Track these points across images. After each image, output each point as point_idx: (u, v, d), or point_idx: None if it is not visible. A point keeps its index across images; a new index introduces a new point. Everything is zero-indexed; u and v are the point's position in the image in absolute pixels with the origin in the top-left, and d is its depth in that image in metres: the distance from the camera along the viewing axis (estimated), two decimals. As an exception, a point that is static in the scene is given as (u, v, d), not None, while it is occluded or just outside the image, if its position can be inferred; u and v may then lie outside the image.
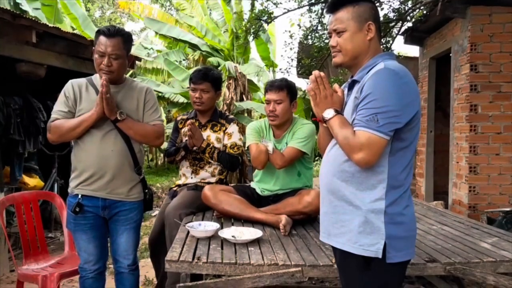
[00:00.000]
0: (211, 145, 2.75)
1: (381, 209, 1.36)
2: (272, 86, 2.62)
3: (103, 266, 2.26)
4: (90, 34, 7.97)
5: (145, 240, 4.55)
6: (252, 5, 6.01)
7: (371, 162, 1.34)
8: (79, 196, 2.13)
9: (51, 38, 4.21)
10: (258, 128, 2.74)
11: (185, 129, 2.88)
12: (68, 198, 2.20)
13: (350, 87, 1.49)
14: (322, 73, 1.47)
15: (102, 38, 2.09)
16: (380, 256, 1.36)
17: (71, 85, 2.16)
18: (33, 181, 4.79)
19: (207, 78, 2.75)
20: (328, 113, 1.44)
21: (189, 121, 2.68)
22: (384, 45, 5.67)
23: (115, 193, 2.16)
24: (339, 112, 1.45)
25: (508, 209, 3.76)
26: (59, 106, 2.14)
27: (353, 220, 1.40)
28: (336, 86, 1.53)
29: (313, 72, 1.48)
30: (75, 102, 2.13)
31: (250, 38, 6.50)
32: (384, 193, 1.37)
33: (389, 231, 1.36)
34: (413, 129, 1.39)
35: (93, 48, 2.15)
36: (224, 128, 2.84)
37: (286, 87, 2.60)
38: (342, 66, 1.52)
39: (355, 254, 1.39)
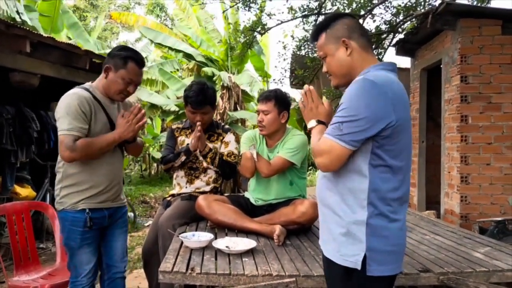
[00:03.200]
0: (213, 150, 2.76)
1: (362, 221, 1.36)
2: (261, 97, 2.70)
3: (96, 276, 2.24)
4: (82, 43, 7.99)
5: (138, 250, 4.52)
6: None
7: (330, 168, 1.39)
8: (87, 211, 2.08)
9: (45, 48, 4.22)
10: (252, 138, 2.77)
11: (181, 138, 2.89)
12: (67, 214, 2.09)
13: None
14: (311, 87, 1.57)
15: (135, 68, 2.10)
16: (359, 267, 1.35)
17: (85, 101, 2.04)
18: (25, 191, 4.74)
19: (206, 101, 2.71)
20: (311, 124, 1.54)
21: (199, 123, 2.66)
22: (376, 57, 5.74)
23: (116, 200, 2.23)
24: (323, 122, 1.52)
25: (499, 218, 3.79)
26: (78, 122, 2.00)
27: (336, 229, 1.41)
28: (323, 99, 1.60)
29: (304, 87, 1.57)
30: (91, 119, 2.06)
31: (246, 48, 6.55)
32: (365, 204, 1.36)
33: (370, 244, 1.35)
34: (393, 146, 1.35)
35: (108, 65, 2.09)
36: (221, 138, 2.85)
37: (274, 98, 2.63)
38: (340, 87, 1.56)
39: (337, 264, 1.40)
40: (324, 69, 1.55)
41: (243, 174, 2.70)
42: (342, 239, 1.39)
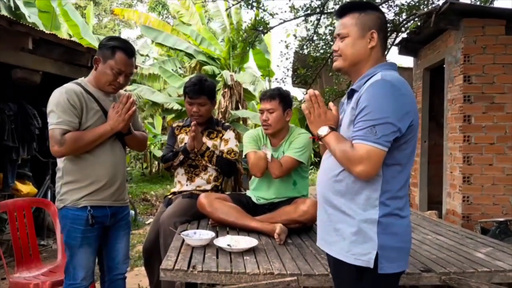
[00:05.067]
0: (210, 148, 2.76)
1: (374, 219, 1.37)
2: (264, 95, 2.67)
3: (93, 279, 2.21)
4: (89, 41, 8.00)
5: (139, 248, 4.52)
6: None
7: (371, 174, 1.35)
8: (89, 208, 2.05)
9: (47, 45, 4.21)
10: (255, 137, 2.76)
11: (181, 136, 2.89)
12: (68, 211, 2.06)
13: (350, 96, 1.50)
14: (316, 92, 1.50)
15: (123, 57, 2.04)
16: (371, 266, 1.36)
17: (75, 94, 2.01)
18: (26, 188, 4.75)
19: (204, 91, 2.73)
20: (322, 131, 1.47)
21: (193, 122, 2.67)
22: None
23: (119, 199, 2.18)
24: (334, 128, 1.47)
25: (501, 219, 3.78)
26: (67, 116, 1.97)
27: (346, 229, 1.41)
28: (330, 104, 1.56)
29: (308, 91, 1.51)
30: (82, 112, 2.03)
31: (247, 47, 6.54)
32: (377, 204, 1.37)
33: (381, 242, 1.36)
34: (407, 145, 1.38)
35: (97, 57, 2.08)
36: (221, 135, 2.85)
37: (278, 96, 2.62)
38: (341, 71, 1.54)
39: (348, 263, 1.40)
40: (335, 47, 1.50)
41: (254, 174, 2.66)
42: (353, 238, 1.38)
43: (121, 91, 2.23)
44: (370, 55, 1.46)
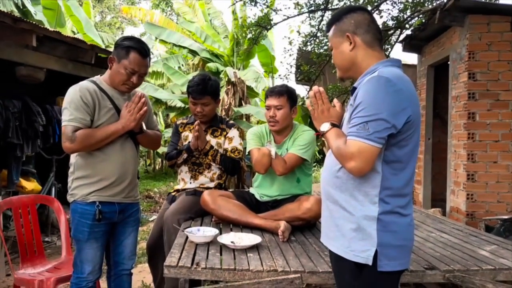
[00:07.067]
0: (214, 147, 2.75)
1: (373, 217, 1.36)
2: (272, 92, 2.65)
3: (101, 273, 2.24)
4: (92, 37, 8.02)
5: (142, 245, 4.53)
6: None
7: (364, 170, 1.34)
8: (97, 203, 2.07)
9: (51, 42, 4.22)
10: (259, 133, 2.75)
11: (185, 133, 2.90)
12: (77, 205, 2.10)
13: (352, 93, 1.50)
14: (321, 89, 1.53)
15: (137, 57, 2.06)
16: (370, 263, 1.36)
17: (88, 92, 2.04)
18: (30, 184, 4.77)
19: (207, 91, 2.71)
20: (324, 127, 1.49)
21: (197, 122, 2.67)
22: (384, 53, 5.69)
23: (128, 196, 2.20)
24: (336, 125, 1.48)
25: (506, 217, 3.76)
26: (79, 113, 2.00)
27: (346, 225, 1.41)
28: (335, 100, 1.58)
29: (313, 88, 1.54)
30: (94, 110, 2.05)
31: (252, 44, 6.52)
32: (377, 200, 1.37)
33: (381, 239, 1.36)
34: (407, 142, 1.36)
35: (112, 56, 2.10)
36: (225, 133, 2.85)
37: (286, 93, 2.62)
38: (344, 79, 1.59)
39: (348, 259, 1.40)
40: (333, 60, 1.56)
41: (257, 171, 2.65)
42: (353, 234, 1.38)
43: (137, 90, 2.25)
44: (356, 56, 1.48)
